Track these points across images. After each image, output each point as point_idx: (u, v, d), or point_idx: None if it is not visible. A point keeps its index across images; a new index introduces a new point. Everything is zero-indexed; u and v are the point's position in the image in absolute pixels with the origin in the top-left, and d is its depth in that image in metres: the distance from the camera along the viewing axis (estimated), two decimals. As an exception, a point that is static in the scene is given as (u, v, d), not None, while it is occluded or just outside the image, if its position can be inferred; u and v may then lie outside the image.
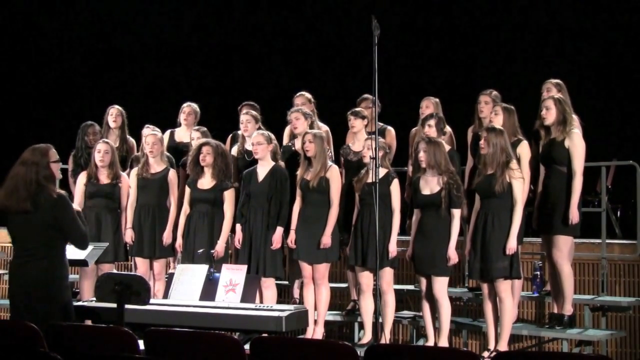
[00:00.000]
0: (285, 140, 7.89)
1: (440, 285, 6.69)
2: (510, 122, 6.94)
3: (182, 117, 8.19)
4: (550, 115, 6.75)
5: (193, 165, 7.36)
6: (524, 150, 6.92)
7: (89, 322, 6.07)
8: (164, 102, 8.93)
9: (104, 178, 7.47)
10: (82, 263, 6.19)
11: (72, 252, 5.52)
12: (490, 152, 6.54)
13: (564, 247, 6.73)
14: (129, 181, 7.59)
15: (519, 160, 6.75)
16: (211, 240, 7.24)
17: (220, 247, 7.22)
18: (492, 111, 7.11)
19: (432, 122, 7.18)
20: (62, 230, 5.24)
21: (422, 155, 6.71)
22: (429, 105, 7.66)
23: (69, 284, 5.41)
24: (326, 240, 6.95)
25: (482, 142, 6.59)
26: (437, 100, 7.72)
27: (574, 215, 6.61)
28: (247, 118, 7.64)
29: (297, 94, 8.00)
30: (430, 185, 6.73)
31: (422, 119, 7.51)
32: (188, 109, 8.18)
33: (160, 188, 7.54)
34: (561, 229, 6.70)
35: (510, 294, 6.59)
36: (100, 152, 7.45)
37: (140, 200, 7.55)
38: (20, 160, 5.25)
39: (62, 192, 5.31)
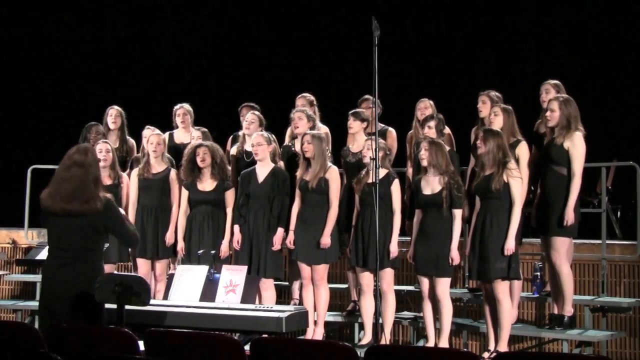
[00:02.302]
0: (287, 141, 7.89)
1: (443, 286, 6.69)
2: (509, 122, 6.94)
3: (178, 120, 8.16)
4: (554, 117, 6.72)
5: (189, 168, 7.34)
6: (523, 151, 6.92)
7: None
8: (164, 102, 8.93)
9: (106, 179, 7.40)
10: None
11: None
12: (487, 152, 6.54)
13: (561, 248, 6.72)
14: (130, 181, 7.58)
15: (517, 161, 6.76)
16: (216, 241, 7.24)
17: (225, 247, 7.23)
18: (490, 112, 7.12)
19: (432, 123, 7.22)
20: (112, 233, 5.23)
21: (423, 154, 6.72)
22: (427, 107, 7.70)
23: None
24: (325, 240, 6.95)
25: (479, 142, 6.60)
26: (432, 102, 7.75)
27: (570, 217, 6.59)
28: (252, 118, 7.63)
29: (299, 96, 8.00)
30: (431, 185, 6.74)
31: (422, 120, 7.53)
32: (182, 111, 8.15)
33: (162, 188, 7.53)
34: (558, 230, 6.68)
35: (507, 295, 6.59)
36: (102, 152, 7.41)
37: (142, 200, 7.54)
38: (73, 161, 5.12)
39: (108, 195, 5.23)
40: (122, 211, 5.37)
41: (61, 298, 5.08)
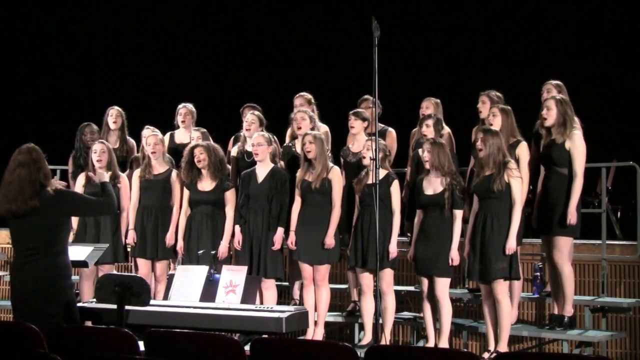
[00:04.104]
0: (287, 142, 7.88)
1: (442, 286, 6.69)
2: (507, 123, 6.93)
3: (179, 119, 8.18)
4: (551, 115, 6.73)
5: (188, 169, 7.34)
6: (523, 151, 6.92)
7: (89, 324, 6.07)
8: (164, 103, 8.93)
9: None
10: (82, 264, 6.18)
11: (71, 253, 5.51)
12: (487, 153, 6.54)
13: (565, 248, 6.72)
14: (131, 182, 7.56)
15: (517, 162, 6.76)
16: (215, 241, 7.23)
17: (223, 248, 7.22)
18: (489, 112, 7.12)
19: (429, 122, 7.22)
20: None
21: (426, 155, 6.72)
22: (429, 106, 7.72)
23: (72, 284, 5.39)
24: (330, 240, 6.95)
25: (478, 143, 6.60)
26: (438, 100, 7.75)
27: (572, 216, 6.59)
28: (252, 118, 7.63)
29: (297, 95, 8.00)
30: (433, 185, 6.74)
31: (420, 118, 7.54)
32: (184, 110, 8.16)
33: (163, 189, 7.52)
34: (561, 230, 6.68)
35: (507, 295, 6.59)
36: (97, 153, 7.39)
37: (143, 201, 7.53)
38: (17, 163, 5.22)
39: (57, 186, 5.34)
40: (76, 190, 5.71)
41: (29, 297, 5.15)
